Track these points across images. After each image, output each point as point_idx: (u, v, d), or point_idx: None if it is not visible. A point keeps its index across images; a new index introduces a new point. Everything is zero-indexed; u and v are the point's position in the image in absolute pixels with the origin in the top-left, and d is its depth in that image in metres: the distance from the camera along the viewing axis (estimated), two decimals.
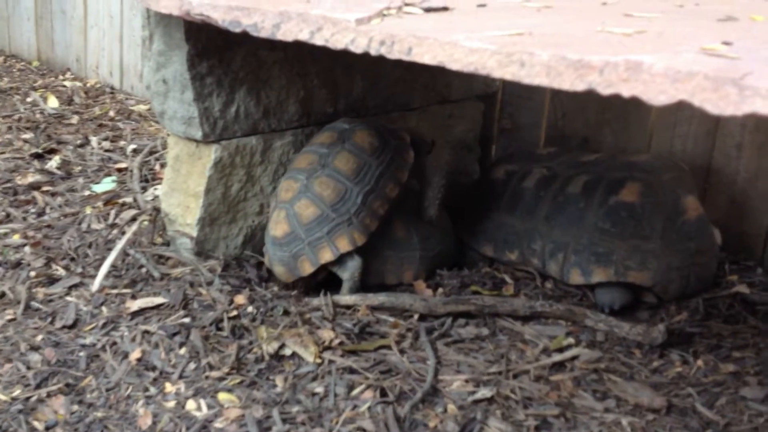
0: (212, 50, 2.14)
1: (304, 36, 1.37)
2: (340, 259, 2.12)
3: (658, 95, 0.90)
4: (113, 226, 2.55)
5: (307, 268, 2.11)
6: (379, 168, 2.16)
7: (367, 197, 2.14)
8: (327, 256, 2.10)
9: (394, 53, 1.19)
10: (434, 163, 2.36)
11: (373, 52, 1.24)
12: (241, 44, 2.18)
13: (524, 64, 1.03)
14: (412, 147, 2.26)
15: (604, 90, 0.96)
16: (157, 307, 2.06)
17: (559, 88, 1.00)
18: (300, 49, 2.31)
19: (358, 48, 1.27)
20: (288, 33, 1.40)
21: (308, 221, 2.10)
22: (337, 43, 1.31)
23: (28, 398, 1.73)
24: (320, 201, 2.10)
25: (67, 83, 4.44)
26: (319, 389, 1.75)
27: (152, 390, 1.75)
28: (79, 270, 2.26)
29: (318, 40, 1.34)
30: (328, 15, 1.39)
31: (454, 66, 1.12)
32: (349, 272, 2.13)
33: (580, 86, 0.97)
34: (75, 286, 2.18)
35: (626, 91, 0.93)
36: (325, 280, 2.17)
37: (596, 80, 0.96)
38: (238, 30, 1.54)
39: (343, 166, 2.15)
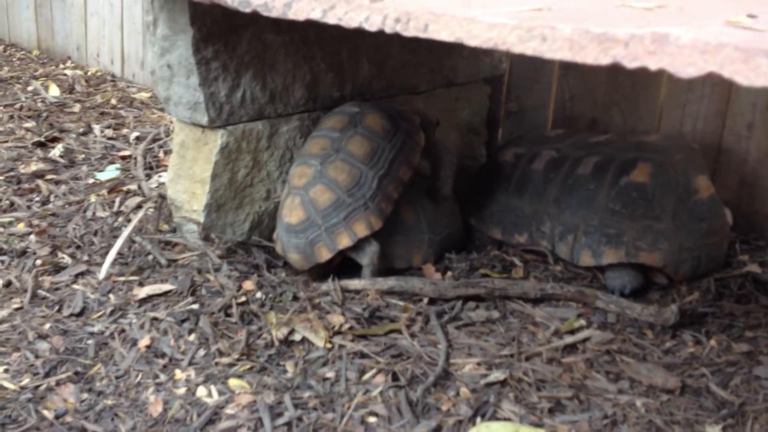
0: (217, 34, 2.12)
1: (316, 15, 1.34)
2: (358, 245, 2.09)
3: (686, 67, 0.88)
4: (118, 213, 2.53)
5: (324, 255, 2.09)
6: (392, 151, 2.14)
7: (381, 181, 2.11)
8: (345, 241, 2.08)
9: (410, 30, 1.17)
10: (444, 142, 2.34)
11: (388, 29, 1.22)
12: (246, 27, 2.15)
13: (546, 39, 1.01)
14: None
15: (630, 63, 0.93)
16: (165, 293, 2.05)
17: (582, 63, 0.97)
18: (306, 33, 2.28)
19: (372, 26, 1.24)
20: (300, 12, 1.37)
21: (324, 207, 2.08)
22: (351, 21, 1.28)
23: (37, 387, 1.71)
24: (336, 186, 2.08)
25: (68, 72, 4.41)
26: (330, 374, 1.74)
27: (162, 377, 1.74)
28: (86, 258, 2.24)
29: (331, 19, 1.31)
30: None
31: (472, 42, 1.09)
32: (368, 257, 2.11)
33: (604, 60, 0.95)
34: (81, 274, 2.16)
35: (653, 65, 0.91)
36: (338, 266, 2.15)
37: (621, 53, 0.94)
38: (247, 10, 1.51)
39: (357, 150, 2.12)
